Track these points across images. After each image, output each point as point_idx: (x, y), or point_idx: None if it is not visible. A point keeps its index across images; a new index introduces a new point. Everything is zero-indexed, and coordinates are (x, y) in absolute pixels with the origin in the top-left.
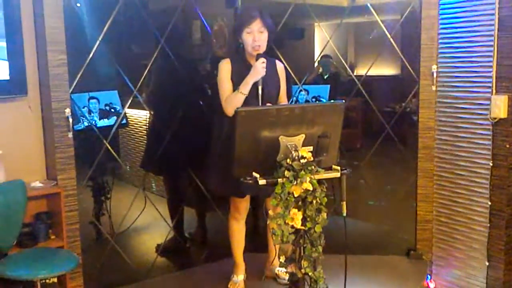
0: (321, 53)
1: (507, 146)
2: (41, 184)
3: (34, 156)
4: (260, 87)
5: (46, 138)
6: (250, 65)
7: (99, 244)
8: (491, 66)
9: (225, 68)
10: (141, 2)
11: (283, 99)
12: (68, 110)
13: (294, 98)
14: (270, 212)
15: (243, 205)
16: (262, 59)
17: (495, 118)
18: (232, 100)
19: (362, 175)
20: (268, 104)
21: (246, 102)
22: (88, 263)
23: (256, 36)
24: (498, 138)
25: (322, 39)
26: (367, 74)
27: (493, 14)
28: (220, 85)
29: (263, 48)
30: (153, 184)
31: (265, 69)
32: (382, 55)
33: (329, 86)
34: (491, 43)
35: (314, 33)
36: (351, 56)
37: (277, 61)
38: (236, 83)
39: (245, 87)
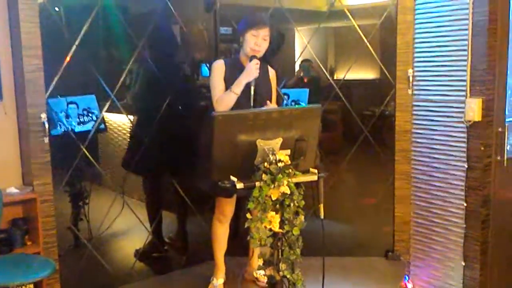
0: (299, 57)
1: (482, 148)
2: (16, 190)
3: (10, 161)
4: (252, 88)
5: (22, 144)
6: (243, 67)
7: (76, 249)
8: (465, 70)
9: (218, 69)
10: (119, 7)
11: (274, 105)
12: (44, 115)
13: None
14: (248, 215)
15: (229, 208)
16: (256, 60)
17: (469, 121)
18: (223, 100)
19: (340, 178)
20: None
21: (237, 103)
22: (66, 269)
23: (259, 41)
24: (472, 140)
25: (302, 43)
26: (347, 78)
27: (467, 19)
28: (213, 85)
29: (260, 55)
30: (132, 189)
31: (258, 70)
32: (360, 59)
33: (308, 90)
34: (465, 47)
35: (294, 38)
36: (331, 60)
37: (269, 67)
38: (229, 84)
39: (238, 87)
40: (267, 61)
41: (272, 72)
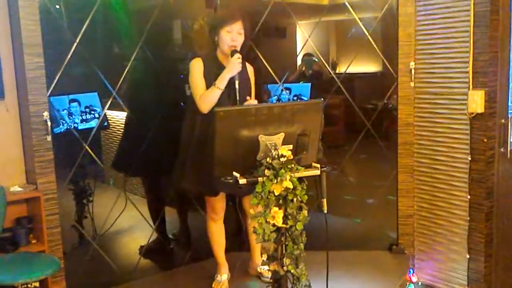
0: (300, 51)
1: (485, 140)
2: (20, 189)
3: (13, 160)
4: (237, 82)
5: (25, 142)
6: (221, 64)
7: (81, 247)
8: (467, 62)
9: (197, 66)
10: (119, 3)
11: (253, 100)
12: (46, 114)
13: (275, 97)
14: (251, 211)
15: (219, 205)
16: (238, 55)
17: (472, 113)
18: (207, 96)
19: (344, 172)
20: (246, 103)
21: (220, 99)
22: (71, 266)
23: (234, 36)
24: (475, 132)
25: (303, 37)
26: (349, 72)
27: (468, 10)
28: (194, 83)
29: (238, 49)
30: (135, 186)
31: (241, 64)
32: (362, 52)
33: (310, 84)
34: (467, 38)
35: (296, 32)
36: (333, 54)
37: (247, 63)
38: (208, 81)
39: (222, 82)
40: (244, 58)
41: (250, 68)
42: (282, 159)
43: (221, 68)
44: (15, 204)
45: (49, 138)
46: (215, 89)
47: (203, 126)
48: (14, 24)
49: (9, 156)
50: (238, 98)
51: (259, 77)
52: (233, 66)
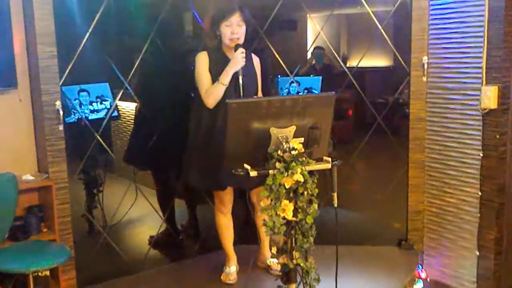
0: (312, 44)
1: (497, 136)
2: (32, 177)
3: (25, 149)
4: (240, 77)
5: (37, 131)
6: (227, 57)
7: (91, 236)
8: (481, 57)
9: (202, 60)
10: None
11: (259, 93)
12: (58, 103)
13: (286, 90)
14: (262, 204)
15: (227, 198)
16: (241, 49)
17: (485, 109)
18: (212, 91)
19: (354, 166)
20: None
21: (226, 93)
22: (81, 256)
23: (234, 29)
24: (488, 128)
25: (315, 30)
26: (360, 66)
27: (483, 5)
28: (199, 77)
29: (241, 41)
30: (145, 177)
31: (244, 59)
32: (374, 46)
33: (320, 77)
34: (481, 33)
35: (307, 25)
36: (344, 47)
37: (253, 55)
38: (214, 75)
39: (226, 78)
40: (250, 50)
41: (256, 60)
42: (293, 152)
43: (226, 61)
44: (26, 193)
45: (61, 127)
46: (219, 84)
47: (209, 120)
48: (28, 14)
49: (21, 144)
50: (242, 93)
51: (271, 69)
52: (237, 61)
